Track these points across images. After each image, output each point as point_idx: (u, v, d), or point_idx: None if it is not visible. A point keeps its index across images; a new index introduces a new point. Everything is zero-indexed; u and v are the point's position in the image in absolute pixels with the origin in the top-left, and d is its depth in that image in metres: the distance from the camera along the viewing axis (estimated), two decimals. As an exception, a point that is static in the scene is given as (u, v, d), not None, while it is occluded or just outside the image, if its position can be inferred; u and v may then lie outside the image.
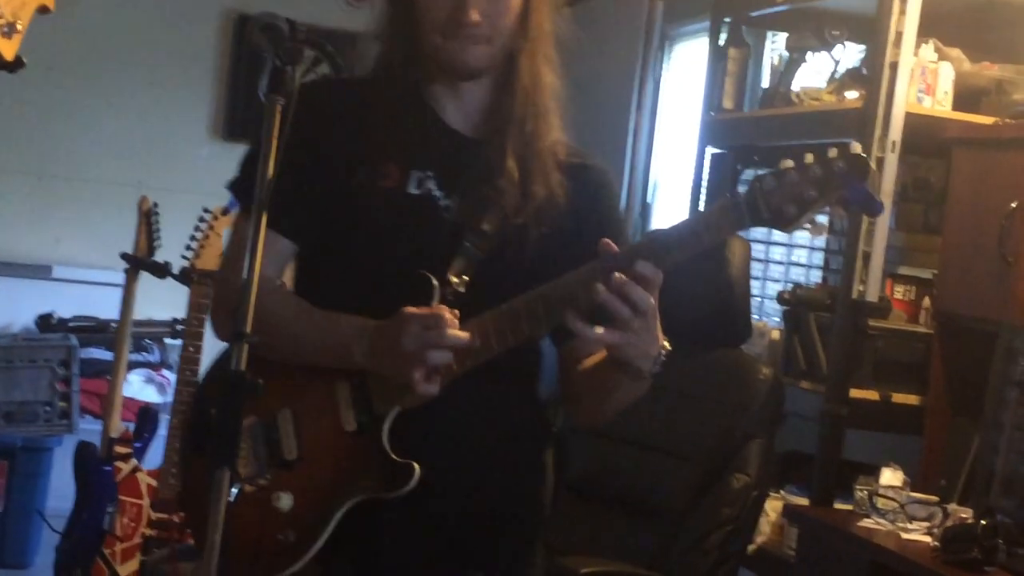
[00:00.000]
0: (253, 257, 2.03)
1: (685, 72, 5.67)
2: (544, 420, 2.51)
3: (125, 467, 4.58)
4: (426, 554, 2.34)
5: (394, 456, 2.22)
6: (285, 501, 2.29)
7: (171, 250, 4.69)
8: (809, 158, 2.02)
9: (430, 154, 2.34)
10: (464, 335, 2.14)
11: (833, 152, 2.01)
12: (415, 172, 2.33)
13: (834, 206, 2.06)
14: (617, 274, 2.04)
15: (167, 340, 6.29)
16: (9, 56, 1.94)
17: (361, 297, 2.30)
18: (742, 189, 4.54)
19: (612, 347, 2.11)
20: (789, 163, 2.03)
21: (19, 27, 1.95)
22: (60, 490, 5.29)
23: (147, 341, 6.18)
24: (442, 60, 2.27)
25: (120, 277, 5.01)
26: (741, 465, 3.39)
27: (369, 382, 2.26)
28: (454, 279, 2.24)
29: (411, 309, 2.15)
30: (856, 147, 2.01)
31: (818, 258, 4.61)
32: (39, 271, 6.57)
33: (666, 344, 2.15)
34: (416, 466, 2.20)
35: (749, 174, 4.62)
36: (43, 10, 2.02)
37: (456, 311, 2.16)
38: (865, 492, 3.45)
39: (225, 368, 2.21)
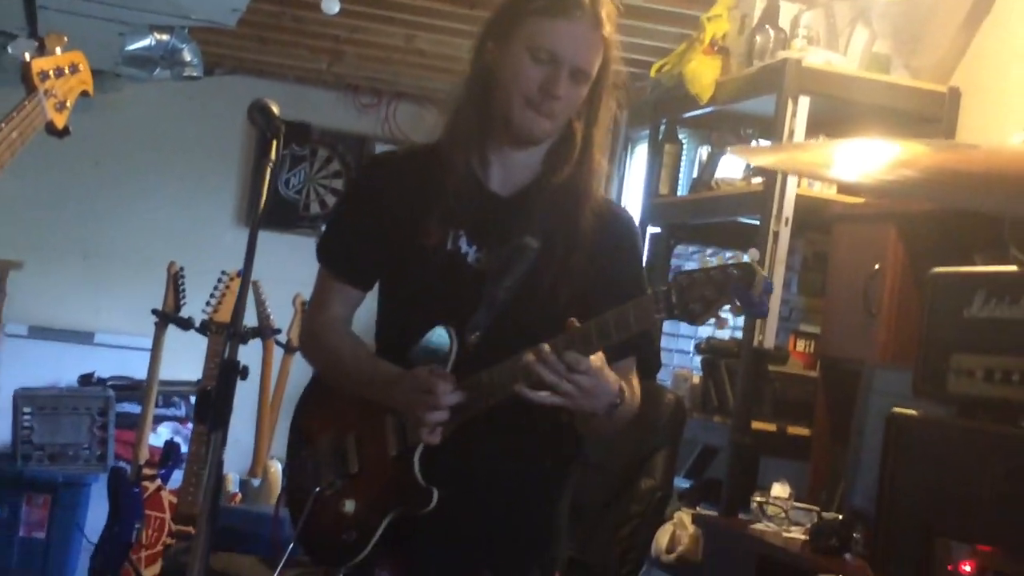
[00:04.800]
0: (248, 267, 2.29)
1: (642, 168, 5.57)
2: (563, 451, 2.53)
3: (151, 486, 4.95)
4: (448, 558, 2.42)
5: (420, 481, 2.35)
6: (349, 506, 2.46)
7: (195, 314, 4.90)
8: (713, 263, 2.13)
9: (466, 214, 2.41)
10: (451, 398, 2.25)
11: (733, 261, 2.11)
12: (451, 230, 2.43)
13: (732, 305, 2.12)
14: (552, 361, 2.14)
15: (192, 397, 6.21)
16: (60, 125, 2.19)
17: (402, 339, 2.42)
18: (674, 266, 4.90)
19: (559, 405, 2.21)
20: (703, 266, 2.13)
21: (68, 104, 2.21)
22: (96, 521, 5.43)
23: (175, 398, 6.29)
24: (514, 127, 2.36)
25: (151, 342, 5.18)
26: (649, 471, 3.57)
27: (406, 417, 2.38)
28: (470, 332, 2.33)
29: (414, 371, 2.30)
30: (751, 256, 2.10)
31: (729, 317, 4.97)
32: (83, 337, 6.69)
33: (620, 397, 2.26)
34: (435, 492, 2.33)
35: (680, 249, 4.84)
36: (84, 94, 2.29)
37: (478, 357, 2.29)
38: (757, 502, 3.61)
39: (312, 398, 2.63)
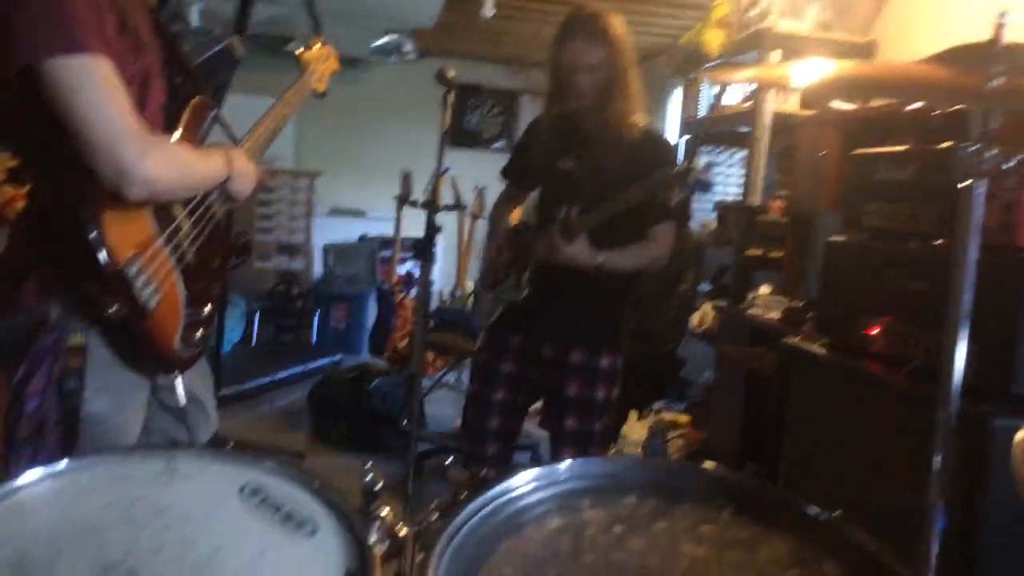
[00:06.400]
0: (438, 168, 2.39)
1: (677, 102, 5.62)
2: (618, 284, 2.46)
3: (400, 296, 5.10)
4: (554, 333, 2.45)
5: (523, 282, 2.45)
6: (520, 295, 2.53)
7: (419, 197, 5.07)
8: (681, 166, 2.20)
9: (567, 145, 2.45)
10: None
11: (687, 165, 2.20)
12: (564, 158, 2.45)
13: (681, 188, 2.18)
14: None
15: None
16: (321, 91, 2.13)
17: (541, 216, 2.51)
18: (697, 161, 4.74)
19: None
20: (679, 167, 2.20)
21: (324, 78, 2.15)
22: (370, 317, 5.68)
23: (412, 246, 6.48)
24: (572, 107, 2.38)
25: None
26: (684, 280, 3.70)
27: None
28: (574, 209, 2.33)
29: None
30: (696, 163, 2.19)
31: (734, 188, 4.83)
32: (359, 213, 6.80)
33: (598, 266, 2.31)
34: (526, 290, 2.44)
35: (703, 148, 4.67)
36: (334, 72, 2.23)
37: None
38: (751, 296, 3.56)
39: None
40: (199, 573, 0.68)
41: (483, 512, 0.80)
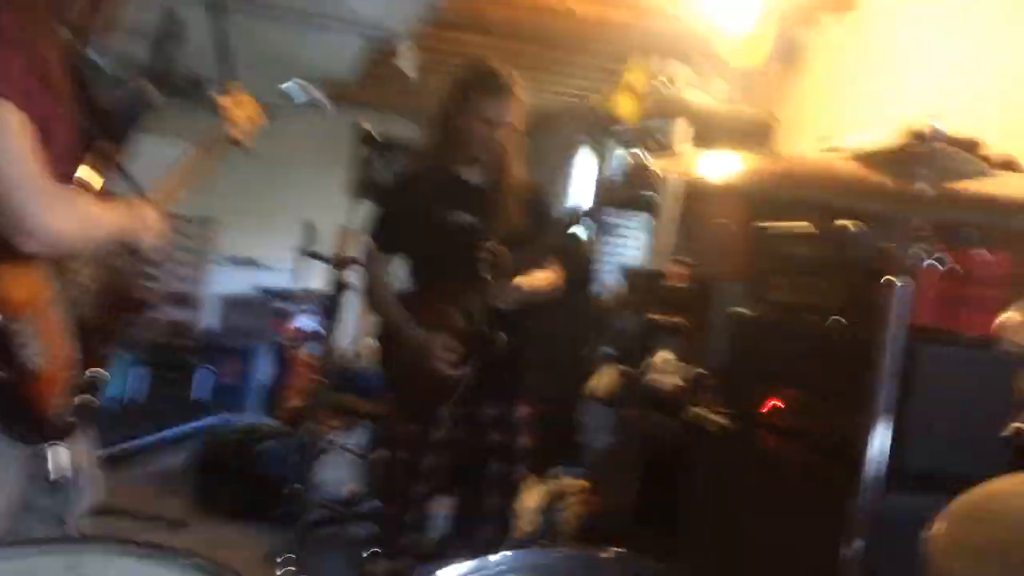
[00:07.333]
0: (353, 226, 2.40)
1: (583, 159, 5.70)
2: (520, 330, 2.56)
3: (295, 351, 4.94)
4: (482, 392, 2.50)
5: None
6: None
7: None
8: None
9: (461, 200, 2.48)
10: None
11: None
12: (455, 212, 2.48)
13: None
14: None
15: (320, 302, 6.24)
16: (244, 142, 2.01)
17: (431, 278, 2.53)
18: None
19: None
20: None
21: (248, 133, 2.06)
22: (266, 372, 5.60)
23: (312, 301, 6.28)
24: (478, 157, 2.48)
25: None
26: (586, 344, 3.74)
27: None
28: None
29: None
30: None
31: (636, 252, 4.97)
32: (256, 263, 6.54)
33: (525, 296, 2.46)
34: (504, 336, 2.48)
35: (607, 210, 4.87)
36: (257, 125, 2.11)
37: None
38: (649, 360, 3.54)
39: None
40: None
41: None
